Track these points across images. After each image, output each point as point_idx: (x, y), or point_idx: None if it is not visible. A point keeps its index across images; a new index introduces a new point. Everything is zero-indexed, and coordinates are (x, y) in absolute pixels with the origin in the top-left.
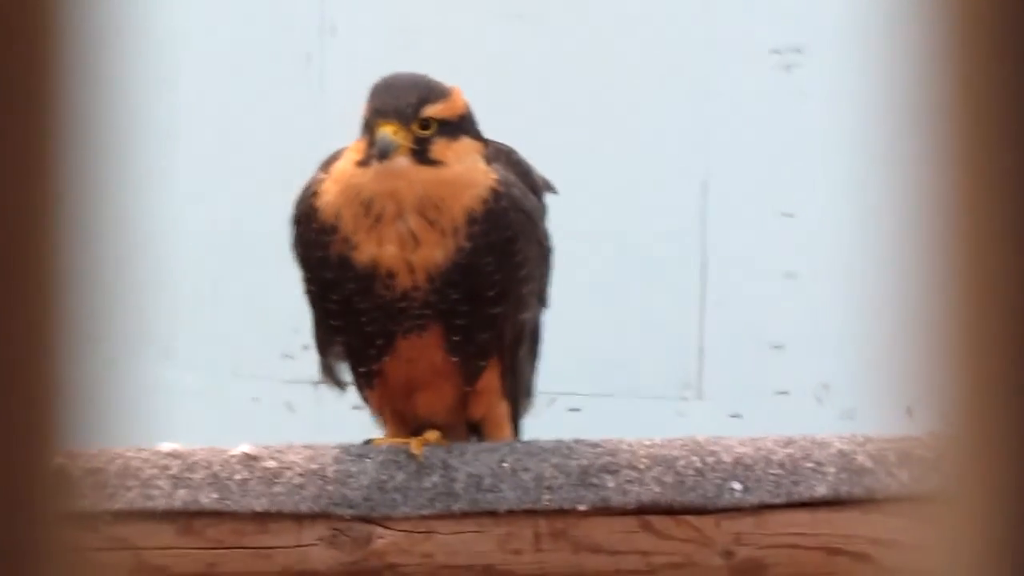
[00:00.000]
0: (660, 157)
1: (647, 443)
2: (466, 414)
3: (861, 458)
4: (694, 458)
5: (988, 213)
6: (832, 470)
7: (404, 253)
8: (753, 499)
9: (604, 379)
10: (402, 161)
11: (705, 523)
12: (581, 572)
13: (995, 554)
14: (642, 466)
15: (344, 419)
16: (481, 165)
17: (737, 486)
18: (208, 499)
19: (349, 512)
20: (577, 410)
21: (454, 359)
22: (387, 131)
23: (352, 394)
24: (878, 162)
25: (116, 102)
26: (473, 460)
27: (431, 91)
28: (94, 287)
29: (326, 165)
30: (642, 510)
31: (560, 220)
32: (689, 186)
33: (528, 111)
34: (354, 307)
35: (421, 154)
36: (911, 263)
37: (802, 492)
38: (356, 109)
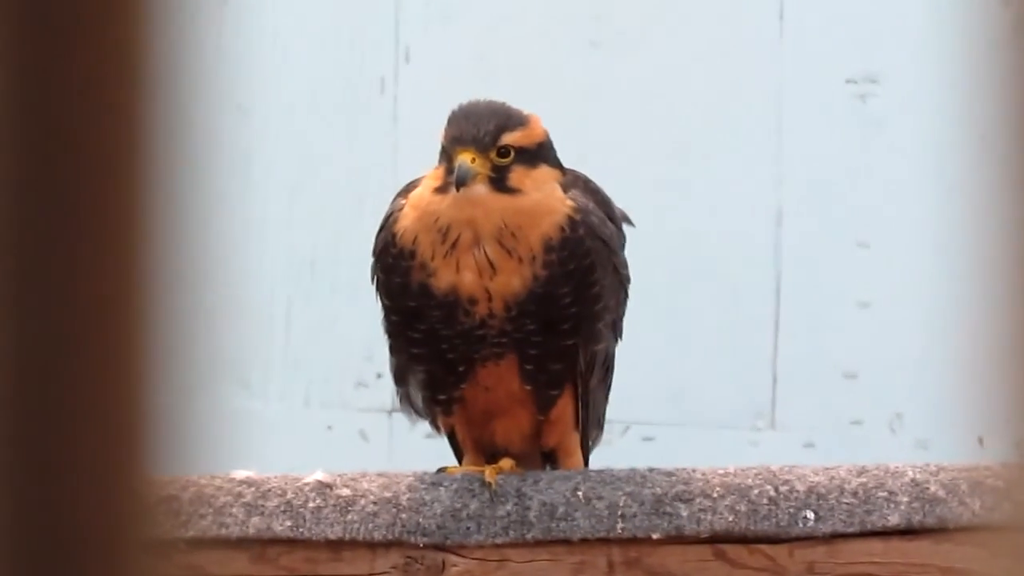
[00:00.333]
0: (735, 186)
1: (721, 472)
2: (540, 443)
3: (934, 487)
4: (768, 487)
5: None
6: (905, 499)
7: (482, 281)
8: (826, 528)
9: (678, 408)
10: (480, 189)
11: (778, 552)
12: None
13: None
14: (716, 495)
15: (417, 447)
16: (558, 193)
17: (810, 515)
18: (282, 527)
19: (423, 540)
20: (651, 439)
21: (528, 388)
22: (465, 159)
23: (423, 423)
24: (954, 191)
25: (194, 134)
26: (547, 488)
27: (509, 119)
28: (174, 317)
29: (405, 192)
30: (715, 539)
31: (635, 249)
32: (764, 216)
33: (602, 139)
34: (437, 335)
35: (499, 182)
36: (985, 293)
37: (875, 521)
38: (430, 136)
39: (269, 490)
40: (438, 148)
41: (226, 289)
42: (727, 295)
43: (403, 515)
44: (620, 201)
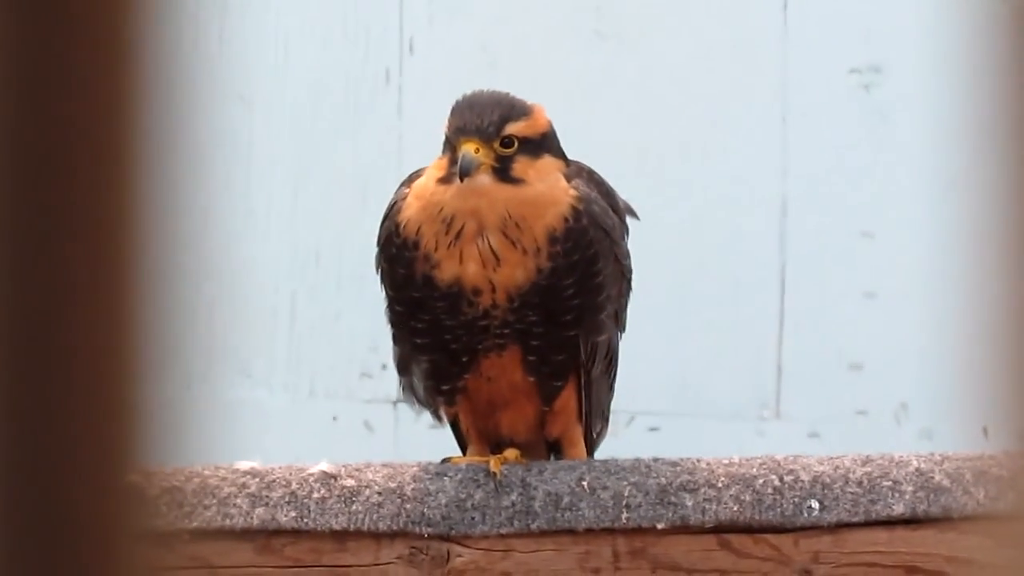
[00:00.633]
0: (739, 177)
1: (725, 462)
2: (543, 433)
3: (938, 477)
4: (772, 477)
5: None
6: (910, 489)
7: (485, 271)
8: (831, 518)
9: (683, 398)
10: (484, 179)
11: (783, 541)
12: None
13: None
14: (720, 485)
15: (422, 438)
16: (562, 183)
17: (815, 505)
18: (286, 518)
19: (428, 530)
20: (656, 429)
21: (531, 379)
22: (469, 149)
23: (427, 412)
24: (958, 181)
25: (196, 125)
26: (552, 479)
27: (513, 109)
28: (175, 307)
29: (409, 181)
30: (720, 528)
31: (640, 241)
32: (769, 206)
33: (606, 130)
34: (440, 325)
35: (503, 172)
36: (989, 283)
37: (880, 511)
38: (434, 127)
39: (274, 481)
40: (442, 139)
41: (231, 280)
42: (732, 286)
43: (408, 505)
44: (624, 193)
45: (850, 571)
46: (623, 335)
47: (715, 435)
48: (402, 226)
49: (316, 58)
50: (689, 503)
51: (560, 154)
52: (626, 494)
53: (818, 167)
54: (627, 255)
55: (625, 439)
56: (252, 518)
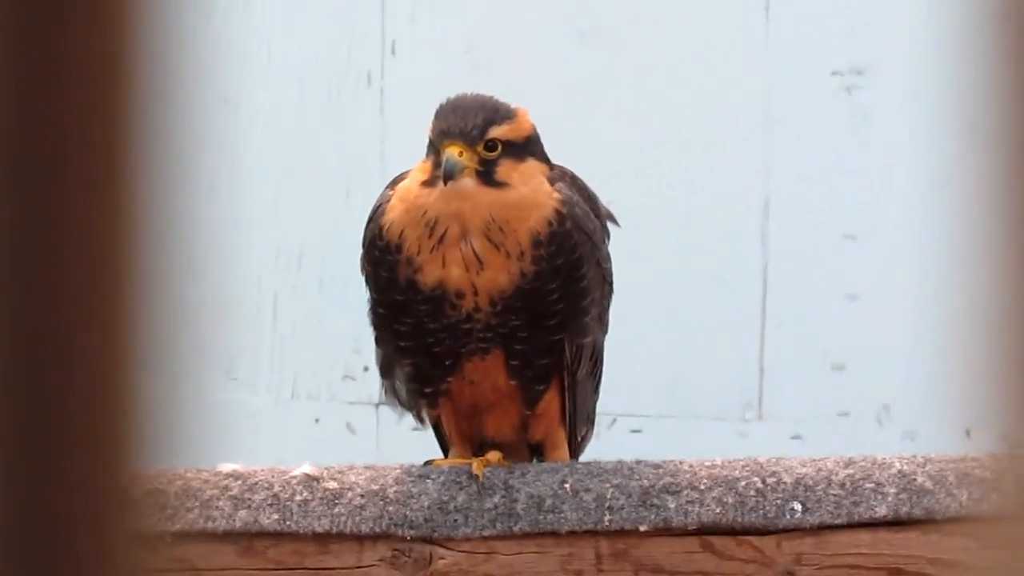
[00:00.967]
0: (722, 178)
1: (708, 464)
2: (526, 436)
3: (921, 479)
4: (755, 479)
5: None
6: (893, 491)
7: (468, 275)
8: (814, 520)
9: (665, 400)
10: (467, 182)
11: (766, 543)
12: None
13: None
14: (703, 487)
15: (404, 440)
16: (546, 186)
17: (798, 507)
18: (269, 520)
19: (410, 533)
20: (638, 431)
21: (514, 382)
22: (453, 152)
23: (410, 414)
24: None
25: (181, 127)
26: (534, 481)
27: (497, 112)
28: (159, 310)
29: (393, 184)
30: (703, 530)
31: (623, 241)
32: (752, 207)
33: (590, 132)
34: (424, 328)
35: (486, 175)
36: (973, 285)
37: (863, 512)
38: (417, 129)
39: (256, 483)
40: (426, 141)
41: (213, 282)
42: (715, 287)
43: (390, 508)
44: (608, 194)
45: (833, 573)
46: (605, 337)
47: (698, 437)
48: (385, 229)
49: (299, 60)
50: (672, 505)
51: (544, 157)
52: (609, 496)
53: (801, 169)
54: (608, 259)
55: (607, 441)
56: (235, 520)
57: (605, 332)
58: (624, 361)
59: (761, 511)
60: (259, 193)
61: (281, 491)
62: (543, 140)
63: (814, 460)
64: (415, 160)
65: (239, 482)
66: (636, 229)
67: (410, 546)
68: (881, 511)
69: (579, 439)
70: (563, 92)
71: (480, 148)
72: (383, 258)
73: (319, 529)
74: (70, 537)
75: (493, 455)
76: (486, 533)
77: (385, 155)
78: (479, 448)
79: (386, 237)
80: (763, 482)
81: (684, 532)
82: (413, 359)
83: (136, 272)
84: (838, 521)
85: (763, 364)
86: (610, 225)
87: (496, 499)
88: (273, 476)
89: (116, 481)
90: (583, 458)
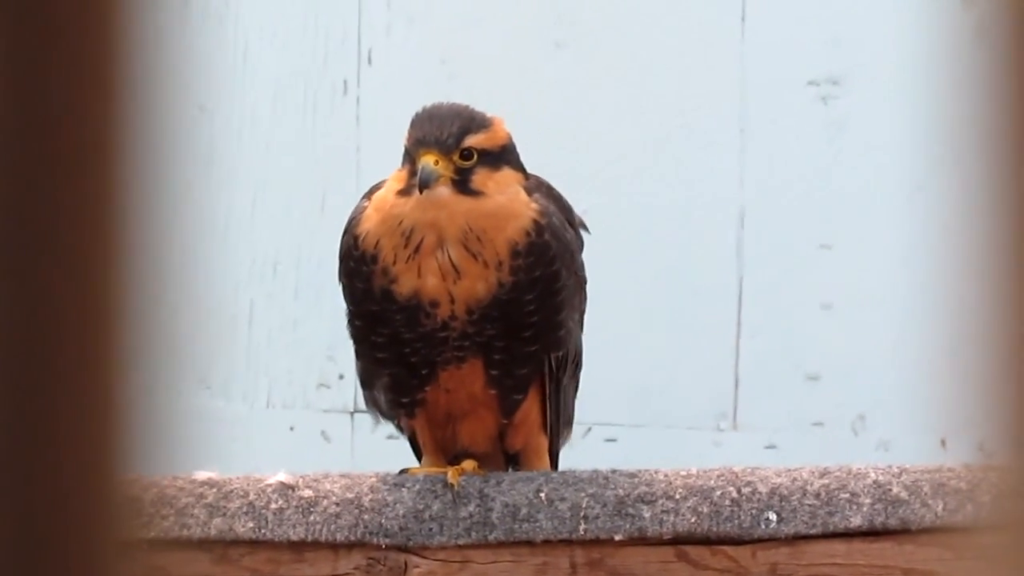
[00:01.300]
0: (697, 188)
1: (683, 473)
2: (504, 445)
3: (896, 489)
4: (730, 488)
5: None
6: (867, 501)
7: (445, 284)
8: (789, 529)
9: (640, 409)
10: (443, 191)
11: (741, 553)
12: None
13: None
14: (678, 496)
15: (379, 448)
16: (523, 196)
17: (773, 517)
18: (244, 528)
19: (385, 541)
20: (613, 440)
21: (492, 392)
22: (428, 161)
23: (387, 424)
24: (916, 194)
25: (157, 134)
26: (509, 490)
27: (473, 121)
28: (135, 318)
29: (369, 194)
30: (678, 540)
31: (597, 249)
32: (727, 217)
33: (565, 141)
34: (400, 338)
35: (462, 184)
36: (947, 295)
37: (837, 523)
38: (392, 138)
39: (231, 491)
40: (401, 150)
41: (188, 290)
42: (689, 296)
43: (366, 516)
44: (582, 202)
45: None
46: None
47: (673, 446)
48: (361, 239)
49: (275, 68)
50: (647, 514)
51: (519, 166)
52: (584, 505)
53: (776, 179)
54: (583, 268)
55: (582, 450)
56: (210, 528)
57: (580, 342)
58: (599, 370)
59: (736, 521)
60: (235, 201)
61: (256, 499)
62: (519, 149)
63: (789, 470)
64: (391, 169)
65: (214, 490)
66: (611, 238)
67: (385, 554)
68: (856, 521)
69: (560, 443)
70: (538, 101)
71: (456, 157)
72: (358, 269)
73: (294, 537)
74: (53, 545)
75: (468, 464)
76: (461, 542)
77: (361, 164)
78: (453, 459)
79: (361, 247)
80: (738, 492)
81: (659, 541)
82: (391, 369)
83: (111, 280)
84: (813, 531)
85: (738, 374)
86: (584, 234)
87: (471, 508)
88: (248, 484)
89: (98, 489)
90: (558, 466)
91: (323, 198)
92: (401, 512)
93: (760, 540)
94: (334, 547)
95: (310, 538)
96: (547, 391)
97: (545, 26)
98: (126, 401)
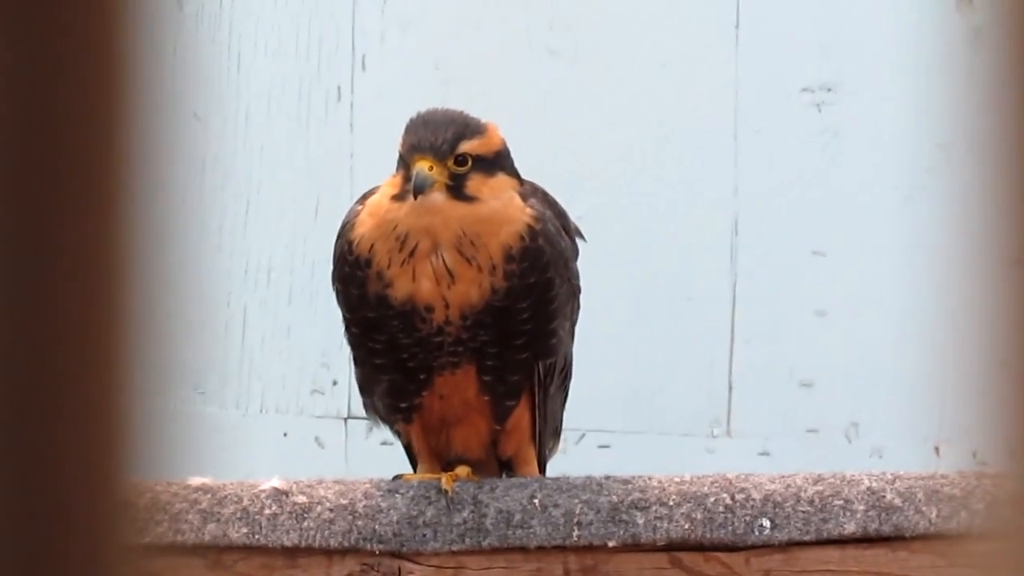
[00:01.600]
0: (691, 195)
1: (677, 480)
2: (496, 452)
3: (890, 496)
4: (724, 495)
5: None
6: (861, 508)
7: (439, 289)
8: (782, 536)
9: (634, 416)
10: (437, 197)
11: (735, 560)
12: None
13: None
14: (672, 503)
15: (373, 454)
16: (517, 201)
17: (766, 523)
18: (238, 534)
19: (379, 547)
20: (607, 447)
21: (485, 397)
22: (423, 166)
23: (382, 430)
24: (910, 201)
25: (152, 141)
26: (503, 496)
27: (467, 127)
28: (130, 324)
29: (363, 199)
30: (672, 547)
31: (591, 256)
32: (720, 224)
33: (559, 147)
34: (397, 343)
35: (457, 190)
36: (941, 303)
37: (831, 529)
38: (386, 144)
39: (225, 497)
40: (396, 156)
41: (182, 296)
42: (683, 303)
43: (359, 522)
44: (577, 208)
45: None
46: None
47: (666, 453)
48: (355, 244)
49: (269, 74)
50: (640, 521)
51: (514, 172)
52: (577, 512)
53: (770, 185)
54: (577, 276)
55: (576, 457)
56: (203, 534)
57: (571, 350)
58: (593, 377)
59: (730, 527)
60: (228, 207)
61: (250, 505)
62: (513, 155)
63: (783, 477)
64: (384, 175)
65: (208, 496)
66: (605, 244)
67: (379, 560)
68: (850, 528)
69: (547, 452)
70: (532, 108)
71: (450, 163)
72: (353, 274)
73: (288, 543)
74: (50, 550)
75: (462, 470)
76: (455, 548)
77: (354, 170)
78: (448, 465)
79: (356, 252)
80: (732, 498)
81: (653, 548)
82: (389, 375)
83: (106, 286)
84: (807, 538)
85: (732, 380)
86: (578, 241)
87: (465, 514)
88: (242, 490)
89: (93, 494)
90: (548, 472)
91: (317, 204)
92: (395, 518)
93: (754, 547)
94: (328, 553)
95: (304, 544)
96: (536, 399)
97: (539, 33)
98: (121, 407)
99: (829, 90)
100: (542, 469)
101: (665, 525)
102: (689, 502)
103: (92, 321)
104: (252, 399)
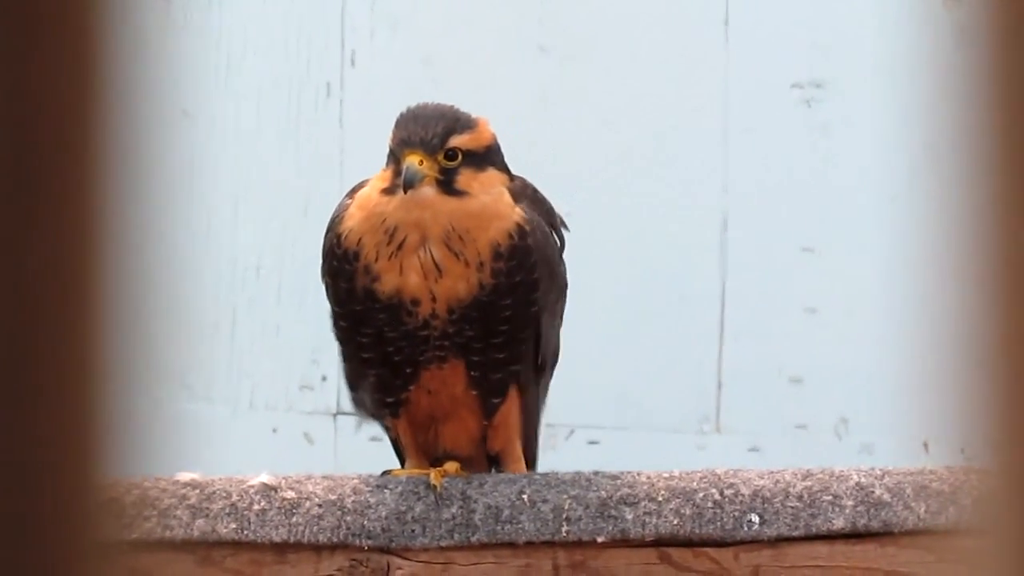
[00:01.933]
0: (681, 191)
1: (666, 475)
2: (485, 447)
3: (879, 491)
4: (713, 490)
5: (1014, 244)
6: (850, 503)
7: (427, 283)
8: (771, 532)
9: (623, 412)
10: (427, 191)
11: (723, 555)
12: None
13: None
14: (661, 498)
15: (362, 450)
16: (507, 198)
17: (755, 519)
18: (227, 529)
19: (368, 543)
20: (596, 443)
21: (473, 393)
22: (413, 160)
23: (371, 426)
24: (899, 197)
25: (141, 138)
26: (492, 491)
27: (458, 122)
28: (118, 320)
29: (352, 192)
30: (660, 542)
31: (581, 252)
32: (710, 220)
33: (549, 144)
34: (384, 337)
35: (446, 184)
36: (931, 299)
37: (820, 525)
38: (376, 140)
39: (214, 492)
40: (385, 152)
41: (171, 292)
42: (673, 299)
43: (348, 518)
44: (566, 206)
45: None
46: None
47: (655, 449)
48: (343, 237)
49: (258, 71)
50: (629, 517)
51: (504, 167)
52: (566, 507)
53: (759, 182)
54: (564, 274)
55: (565, 452)
56: (192, 530)
57: (558, 349)
58: (582, 373)
59: (719, 523)
60: (218, 204)
61: (239, 500)
62: (503, 150)
63: (772, 472)
64: (375, 171)
65: (197, 491)
66: (595, 241)
67: (368, 556)
68: (839, 524)
69: (534, 448)
70: (522, 104)
71: (440, 157)
72: (341, 267)
73: (277, 539)
74: (36, 548)
75: (451, 465)
76: (444, 543)
77: (344, 166)
78: (437, 461)
79: (344, 245)
80: (721, 494)
81: (642, 544)
82: (376, 370)
83: (94, 284)
84: (796, 533)
85: (721, 377)
86: (566, 234)
87: (454, 509)
88: (231, 485)
89: (76, 490)
90: (540, 469)
91: (306, 201)
92: (384, 514)
93: (743, 542)
94: (317, 548)
95: (293, 539)
96: (523, 397)
97: (528, 30)
98: (110, 404)
99: (819, 87)
100: (534, 464)
101: (654, 521)
102: (678, 498)
103: (76, 318)
104: (241, 395)
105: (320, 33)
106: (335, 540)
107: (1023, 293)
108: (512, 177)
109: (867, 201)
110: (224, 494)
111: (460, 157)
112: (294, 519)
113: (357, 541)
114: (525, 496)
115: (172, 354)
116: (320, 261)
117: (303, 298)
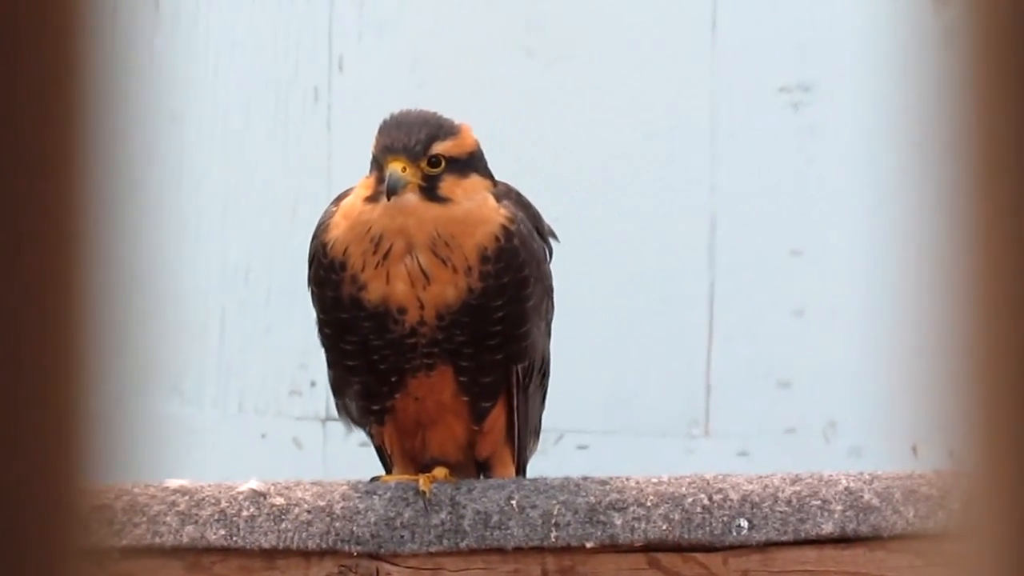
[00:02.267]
0: (669, 194)
1: (655, 480)
2: (474, 453)
3: (868, 496)
4: (701, 495)
5: (1001, 247)
6: (839, 508)
7: (414, 290)
8: (760, 536)
9: (612, 416)
10: (411, 198)
11: (712, 560)
12: None
13: None
14: (649, 503)
15: (351, 456)
16: (491, 202)
17: (744, 523)
18: (216, 536)
19: (357, 549)
20: (585, 447)
21: (463, 398)
22: (396, 167)
23: (358, 432)
24: (886, 200)
25: (129, 142)
26: (481, 497)
27: (440, 128)
28: (106, 324)
29: (338, 200)
30: (649, 547)
31: (569, 256)
32: (698, 223)
33: (536, 148)
34: (369, 345)
35: (430, 191)
36: (919, 301)
37: (809, 529)
38: (363, 145)
39: (203, 499)
40: (370, 157)
41: (160, 297)
42: (661, 303)
43: (337, 524)
44: (553, 209)
45: None
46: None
47: (644, 453)
48: (329, 246)
49: (246, 75)
50: (618, 522)
51: (487, 173)
52: (555, 513)
53: (747, 185)
54: (550, 276)
55: (554, 457)
56: (182, 536)
57: (548, 352)
58: (571, 377)
59: (708, 528)
60: (206, 208)
61: (228, 507)
62: (489, 156)
63: (761, 477)
64: (362, 175)
65: (186, 497)
66: (582, 244)
67: (357, 562)
68: (828, 528)
69: (526, 453)
70: (509, 108)
71: (423, 164)
72: (328, 277)
73: (266, 545)
74: (23, 554)
75: (440, 471)
76: (433, 549)
77: (332, 170)
78: (425, 467)
79: (330, 254)
80: (710, 499)
81: (630, 549)
82: (360, 377)
83: (82, 287)
84: (784, 538)
85: (710, 380)
86: (554, 242)
87: (443, 515)
88: (220, 492)
89: (64, 496)
90: (529, 474)
91: (295, 205)
92: (373, 520)
93: (731, 547)
94: (306, 555)
95: (282, 546)
96: (515, 401)
97: (515, 34)
98: (97, 409)
99: (806, 90)
100: (523, 469)
101: (643, 526)
102: (667, 503)
103: (63, 321)
104: (230, 400)
105: (308, 37)
106: (324, 546)
107: (1009, 296)
108: (495, 183)
109: (855, 203)
110: (213, 500)
111: (443, 163)
112: (283, 525)
113: (346, 547)
114: (514, 501)
115: (160, 358)
116: (307, 269)
117: (292, 302)
